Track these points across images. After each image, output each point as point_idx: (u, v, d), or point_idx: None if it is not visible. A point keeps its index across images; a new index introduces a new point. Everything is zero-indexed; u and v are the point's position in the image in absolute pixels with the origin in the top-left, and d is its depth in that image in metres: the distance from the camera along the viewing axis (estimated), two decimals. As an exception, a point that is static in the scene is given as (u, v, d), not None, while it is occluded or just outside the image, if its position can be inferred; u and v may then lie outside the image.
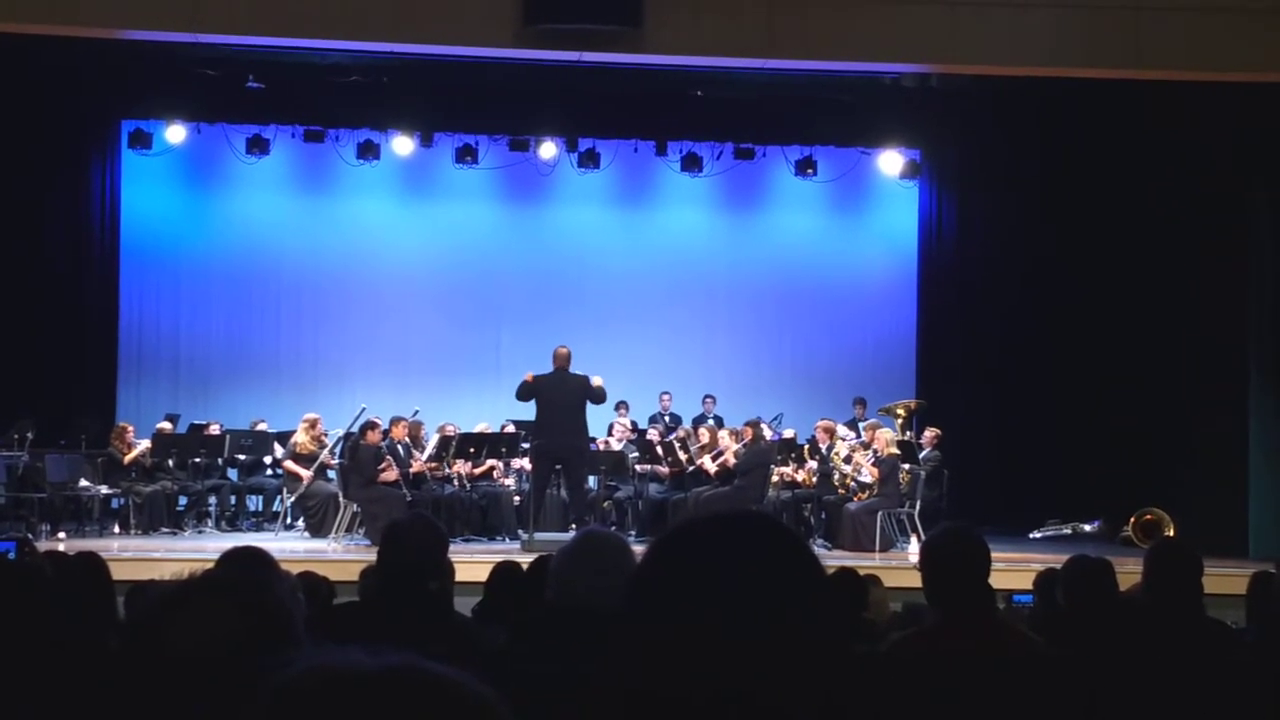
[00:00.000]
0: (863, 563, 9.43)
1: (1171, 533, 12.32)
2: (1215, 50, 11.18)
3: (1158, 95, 12.83)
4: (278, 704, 1.02)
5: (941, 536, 3.53)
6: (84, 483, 12.27)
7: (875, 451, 12.36)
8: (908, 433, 13.57)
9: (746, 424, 12.67)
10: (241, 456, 13.40)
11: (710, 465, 12.57)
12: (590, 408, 11.64)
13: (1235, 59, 11.23)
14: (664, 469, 12.93)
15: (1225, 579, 7.93)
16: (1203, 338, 13.39)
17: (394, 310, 15.38)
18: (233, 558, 3.63)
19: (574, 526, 11.45)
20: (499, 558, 6.25)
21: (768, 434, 12.94)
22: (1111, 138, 14.25)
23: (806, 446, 13.03)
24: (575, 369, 11.66)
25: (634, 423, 14.14)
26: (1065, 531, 13.62)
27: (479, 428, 13.14)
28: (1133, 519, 12.90)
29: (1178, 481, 13.08)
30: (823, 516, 12.62)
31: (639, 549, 2.23)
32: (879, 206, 15.87)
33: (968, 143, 14.99)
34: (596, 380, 11.53)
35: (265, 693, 1.03)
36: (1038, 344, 14.86)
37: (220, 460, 13.26)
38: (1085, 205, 14.66)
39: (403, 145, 14.68)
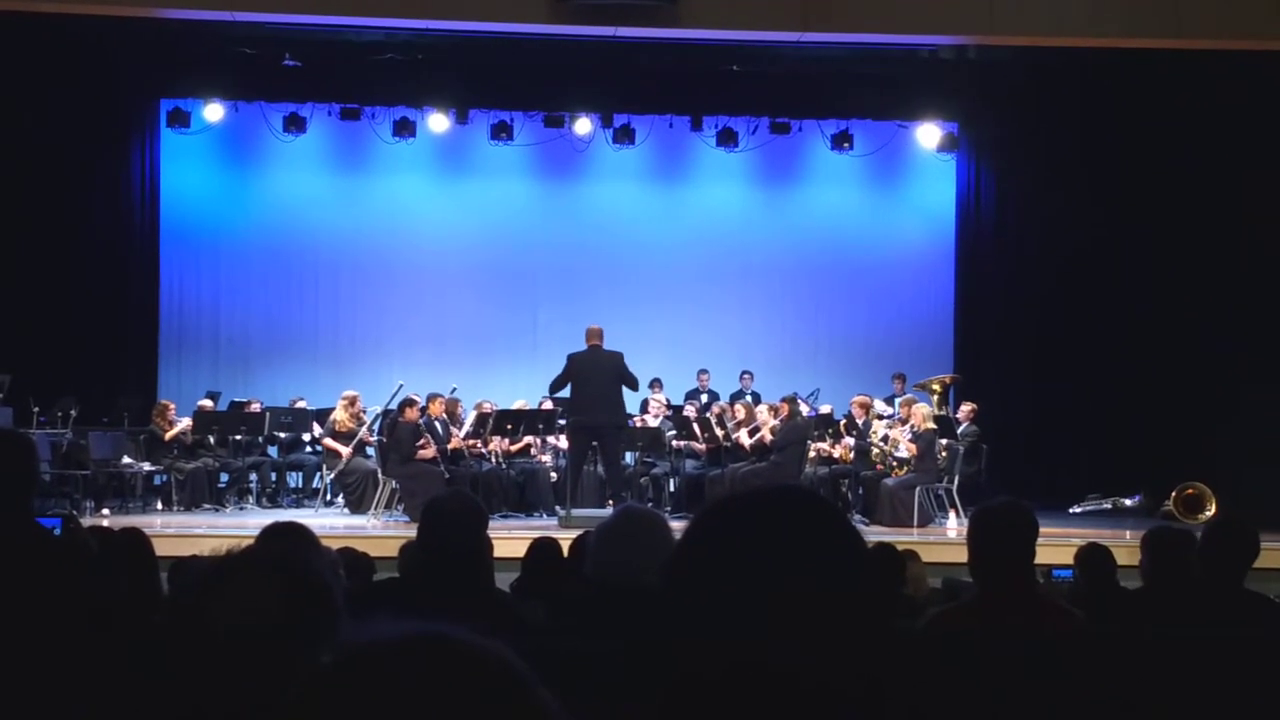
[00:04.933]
0: (901, 538, 9.40)
1: (1214, 507, 12.23)
2: (1257, 19, 11.02)
3: (1198, 65, 12.66)
4: (312, 687, 1.04)
5: (993, 509, 3.51)
6: (127, 460, 12.40)
7: (912, 427, 12.31)
8: (944, 408, 13.50)
9: (783, 400, 12.65)
10: (281, 434, 13.50)
11: (746, 440, 12.55)
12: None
13: (1277, 27, 11.06)
14: (700, 445, 12.91)
15: (1273, 553, 7.84)
16: (1244, 309, 13.25)
17: (431, 287, 15.43)
18: (274, 533, 3.66)
19: (611, 503, 11.47)
20: (536, 534, 6.28)
21: (804, 410, 12.91)
22: (1151, 109, 14.08)
23: (844, 422, 13.00)
24: (612, 346, 11.66)
25: (668, 399, 14.12)
26: (1106, 506, 13.53)
27: (516, 404, 13.17)
28: (1174, 493, 12.81)
29: (1220, 455, 12.97)
30: (860, 492, 12.59)
31: (676, 525, 2.24)
32: (916, 180, 15.77)
33: (1006, 115, 14.85)
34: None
35: (300, 681, 1.05)
36: (1076, 317, 14.74)
37: (260, 437, 13.37)
38: (1124, 177, 14.51)
39: (438, 122, 14.70)
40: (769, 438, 12.35)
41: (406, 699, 1.00)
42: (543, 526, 10.92)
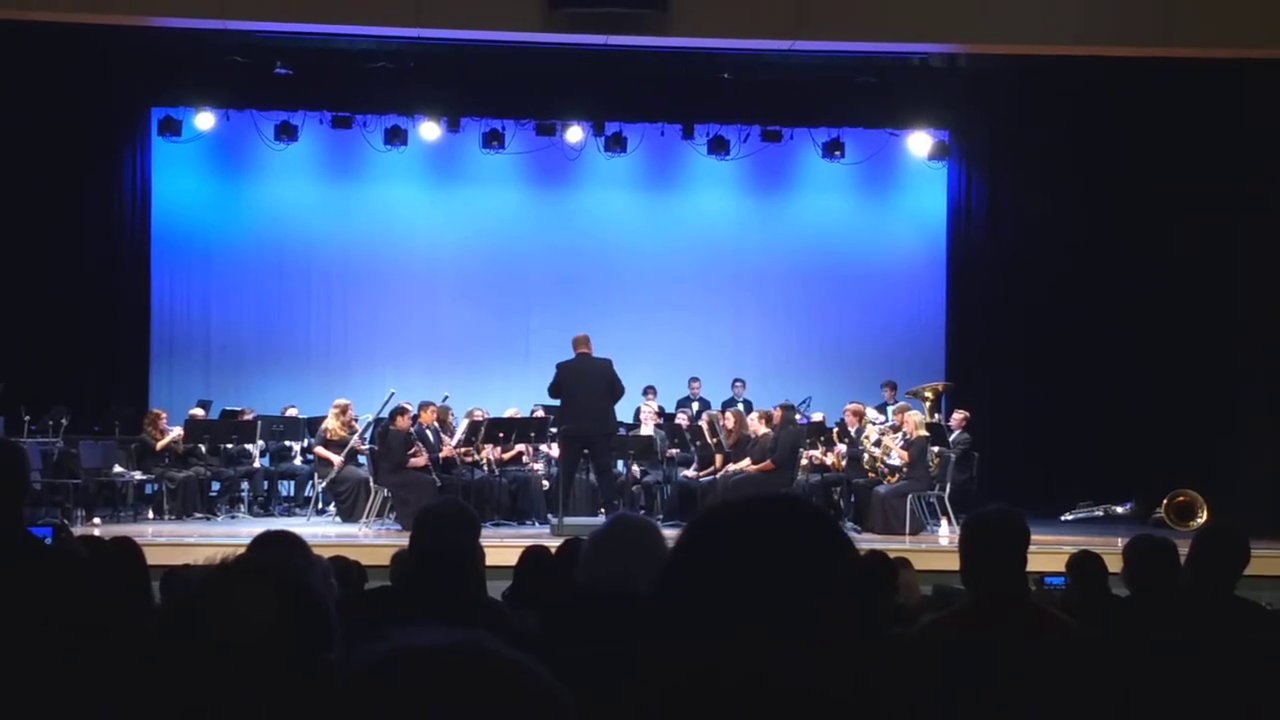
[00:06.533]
0: (893, 546, 9.42)
1: (1205, 514, 12.24)
2: (1248, 28, 11.06)
3: (1190, 73, 12.71)
4: (355, 685, 1.05)
5: (985, 517, 3.52)
6: (118, 469, 12.37)
7: (904, 434, 12.31)
8: (936, 415, 13.52)
9: (778, 406, 12.64)
10: (262, 441, 13.44)
11: (749, 466, 12.46)
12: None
13: (1269, 36, 11.10)
14: (692, 472, 12.82)
15: (1263, 560, 7.86)
16: (1237, 316, 13.28)
17: (422, 295, 15.42)
18: (265, 542, 3.65)
19: (603, 511, 11.46)
20: (529, 542, 6.27)
21: (797, 417, 12.91)
22: (1142, 117, 14.12)
23: (836, 430, 13.00)
24: (604, 354, 11.66)
25: (661, 408, 14.12)
26: (1098, 514, 13.54)
27: (508, 412, 13.16)
28: (1165, 501, 12.82)
29: (1212, 462, 12.99)
30: (852, 500, 12.60)
31: (669, 534, 2.24)
32: (907, 188, 15.79)
33: (997, 123, 14.89)
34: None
35: (344, 676, 1.07)
36: (1068, 324, 14.76)
37: (252, 446, 13.34)
38: (1116, 185, 14.54)
39: (430, 130, 14.70)
40: (756, 465, 12.29)
41: (445, 707, 1.01)
42: (535, 535, 10.91)
